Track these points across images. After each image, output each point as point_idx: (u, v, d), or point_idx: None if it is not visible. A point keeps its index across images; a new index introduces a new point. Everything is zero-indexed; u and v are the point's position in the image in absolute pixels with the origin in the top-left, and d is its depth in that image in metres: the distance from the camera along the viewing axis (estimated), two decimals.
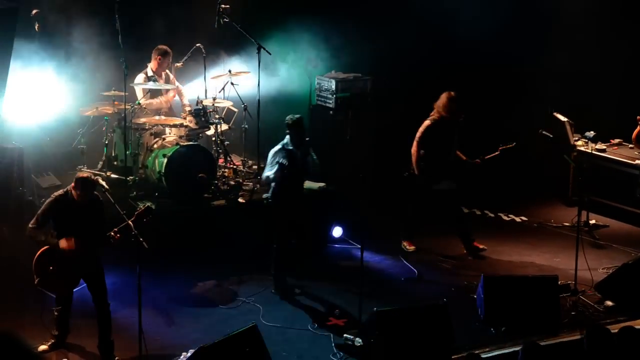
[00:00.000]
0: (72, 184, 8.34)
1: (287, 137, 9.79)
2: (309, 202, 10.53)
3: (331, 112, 12.83)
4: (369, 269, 10.45)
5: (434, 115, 10.78)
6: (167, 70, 11.67)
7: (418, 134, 10.81)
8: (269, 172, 9.76)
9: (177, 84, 11.80)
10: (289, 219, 9.94)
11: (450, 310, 8.62)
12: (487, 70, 13.77)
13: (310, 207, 10.51)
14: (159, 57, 11.46)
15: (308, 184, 11.38)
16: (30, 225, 8.35)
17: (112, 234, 8.22)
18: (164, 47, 11.56)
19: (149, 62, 11.55)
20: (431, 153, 10.78)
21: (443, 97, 10.70)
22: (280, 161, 9.68)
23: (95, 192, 8.43)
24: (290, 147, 9.75)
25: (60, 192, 8.45)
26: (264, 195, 10.25)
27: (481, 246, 11.07)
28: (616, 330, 7.22)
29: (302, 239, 10.27)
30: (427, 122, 10.79)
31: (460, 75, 13.10)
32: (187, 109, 11.34)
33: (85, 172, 8.76)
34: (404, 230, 11.31)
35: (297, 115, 9.84)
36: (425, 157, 10.78)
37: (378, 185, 12.32)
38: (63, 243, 8.21)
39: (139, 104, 11.14)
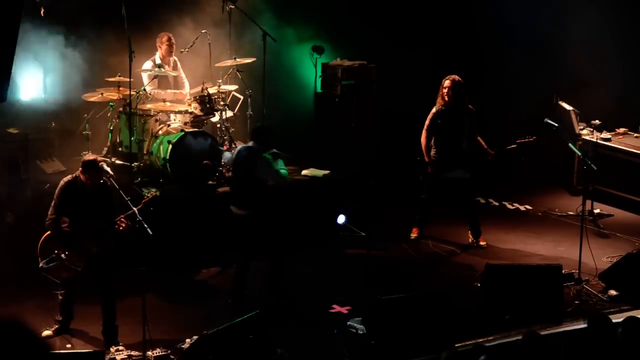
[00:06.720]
0: (80, 169, 8.33)
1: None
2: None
3: (336, 99, 12.80)
4: (373, 257, 10.47)
5: (437, 103, 10.77)
6: (176, 58, 11.64)
7: (426, 122, 10.80)
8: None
9: (180, 72, 11.78)
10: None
11: (454, 299, 8.62)
12: (496, 56, 13.74)
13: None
14: (162, 43, 11.43)
15: (312, 171, 11.39)
16: (49, 217, 8.34)
17: (122, 219, 8.23)
18: (167, 33, 11.52)
19: (156, 49, 11.53)
20: (440, 141, 10.75)
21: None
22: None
23: (103, 177, 8.44)
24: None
25: (69, 177, 8.44)
26: None
27: (483, 243, 11.05)
28: (619, 320, 7.21)
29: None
30: (432, 110, 10.78)
31: (468, 63, 13.07)
32: (187, 98, 11.35)
33: (91, 155, 8.71)
34: (416, 215, 11.25)
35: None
36: (435, 145, 10.77)
37: (382, 173, 12.30)
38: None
39: (144, 90, 11.13)
